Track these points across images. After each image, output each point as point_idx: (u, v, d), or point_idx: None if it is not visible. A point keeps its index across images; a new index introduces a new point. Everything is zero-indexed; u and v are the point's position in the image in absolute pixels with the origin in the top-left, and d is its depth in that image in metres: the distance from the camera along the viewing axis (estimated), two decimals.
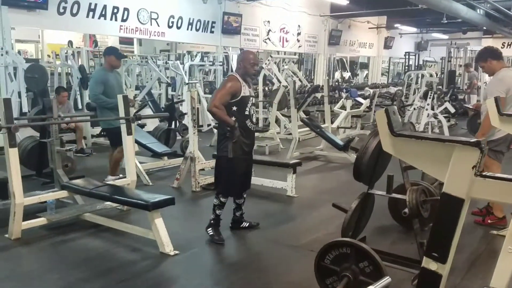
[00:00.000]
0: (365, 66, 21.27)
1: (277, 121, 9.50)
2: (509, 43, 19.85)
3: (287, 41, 14.45)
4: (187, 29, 11.14)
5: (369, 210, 4.01)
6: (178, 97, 10.10)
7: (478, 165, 2.12)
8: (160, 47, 16.32)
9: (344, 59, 18.90)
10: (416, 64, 20.22)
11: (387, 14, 17.17)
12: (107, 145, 8.57)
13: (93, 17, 9.03)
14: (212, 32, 11.80)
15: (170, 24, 10.69)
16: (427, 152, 2.29)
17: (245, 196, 4.35)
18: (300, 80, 12.17)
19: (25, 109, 7.36)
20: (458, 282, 3.39)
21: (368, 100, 10.70)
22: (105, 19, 9.27)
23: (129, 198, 4.20)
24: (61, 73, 10.79)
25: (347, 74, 18.92)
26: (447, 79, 13.95)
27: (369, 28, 18.56)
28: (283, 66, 12.00)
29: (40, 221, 4.26)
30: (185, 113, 7.99)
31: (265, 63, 10.37)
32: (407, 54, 19.92)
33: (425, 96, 10.21)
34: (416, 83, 13.15)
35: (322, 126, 8.46)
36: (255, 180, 5.49)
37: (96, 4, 9.00)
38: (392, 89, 15.30)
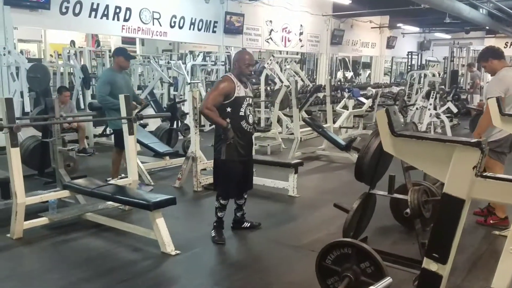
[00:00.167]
0: (367, 65, 21.24)
1: (279, 121, 9.50)
2: None
3: (289, 40, 14.43)
4: (189, 29, 11.14)
5: (371, 210, 4.00)
6: (180, 97, 10.10)
7: (479, 165, 2.11)
8: (163, 47, 16.33)
9: (347, 59, 18.87)
10: (419, 63, 20.17)
11: (390, 14, 17.14)
12: (109, 145, 8.61)
13: (95, 17, 9.04)
14: (214, 32, 11.80)
15: (172, 24, 10.69)
16: (428, 153, 2.29)
17: (246, 196, 4.34)
18: (302, 80, 12.16)
19: (28, 108, 7.37)
20: (459, 283, 3.38)
21: (370, 100, 10.69)
22: (107, 19, 9.28)
23: (130, 198, 4.21)
24: (64, 73, 10.80)
25: (349, 74, 18.89)
26: (450, 79, 13.92)
27: (371, 27, 18.53)
28: (285, 66, 12.00)
29: (42, 220, 4.27)
30: (187, 113, 7.98)
31: (267, 63, 10.37)
32: (409, 53, 19.89)
33: (427, 96, 10.19)
34: (419, 82, 13.10)
35: (324, 126, 8.45)
36: (257, 180, 5.49)
37: (98, 4, 9.01)
38: (395, 89, 15.26)
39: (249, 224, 4.40)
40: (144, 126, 7.98)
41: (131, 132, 4.85)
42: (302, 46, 15.05)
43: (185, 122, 8.18)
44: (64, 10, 8.49)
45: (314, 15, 15.17)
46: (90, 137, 8.65)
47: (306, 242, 4.15)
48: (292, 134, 8.15)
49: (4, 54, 7.56)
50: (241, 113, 3.98)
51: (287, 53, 13.85)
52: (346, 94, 10.61)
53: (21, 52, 10.83)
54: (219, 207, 4.12)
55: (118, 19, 9.49)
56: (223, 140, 3.96)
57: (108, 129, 8.66)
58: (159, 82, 11.22)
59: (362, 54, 19.54)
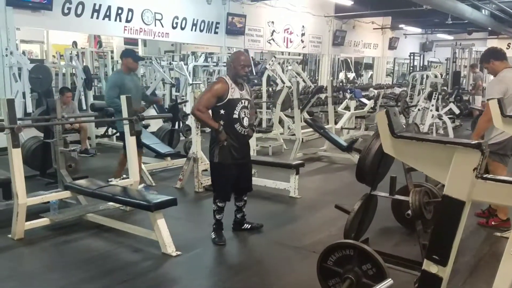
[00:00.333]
0: (369, 66, 21.23)
1: (281, 122, 9.50)
2: None
3: (291, 41, 14.44)
4: (191, 29, 11.16)
5: (372, 212, 3.99)
6: (182, 97, 10.12)
7: (479, 167, 2.11)
8: (165, 48, 16.35)
9: (349, 60, 18.86)
10: (421, 65, 20.15)
11: (392, 15, 17.12)
12: (111, 146, 8.64)
13: (97, 17, 9.07)
14: (216, 33, 11.81)
15: (174, 25, 10.71)
16: (428, 154, 2.28)
17: (245, 198, 4.30)
18: (304, 80, 12.16)
19: (30, 109, 7.39)
20: (460, 285, 3.37)
21: (372, 101, 10.69)
22: (109, 19, 9.31)
23: (131, 198, 4.21)
24: (66, 74, 10.82)
25: (351, 75, 18.89)
26: (452, 80, 13.90)
27: (373, 28, 18.53)
28: (287, 67, 12.00)
29: (43, 221, 4.28)
30: (189, 114, 8.00)
31: (269, 64, 10.37)
32: (412, 54, 19.87)
33: (429, 97, 10.17)
34: (421, 84, 13.12)
35: (326, 127, 8.44)
36: (258, 181, 5.50)
37: (100, 5, 9.04)
38: (397, 90, 15.25)
39: (249, 225, 4.37)
40: (146, 127, 7.99)
41: (132, 133, 4.86)
42: (304, 47, 15.06)
43: (186, 123, 8.20)
44: (66, 11, 8.51)
45: (316, 16, 15.17)
46: (92, 138, 8.66)
47: (307, 243, 4.14)
48: (294, 135, 8.15)
49: (6, 55, 7.60)
50: (235, 116, 3.92)
51: (289, 54, 13.86)
52: (348, 95, 10.61)
53: (23, 53, 10.84)
54: (217, 209, 4.10)
55: (120, 20, 9.52)
56: (216, 142, 3.95)
57: (110, 129, 8.68)
58: (161, 83, 11.23)
59: (364, 55, 19.54)
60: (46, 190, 4.84)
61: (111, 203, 4.59)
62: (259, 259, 3.94)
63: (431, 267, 2.24)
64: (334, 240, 3.06)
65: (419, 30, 20.11)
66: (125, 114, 4.84)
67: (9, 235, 4.11)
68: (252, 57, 14.74)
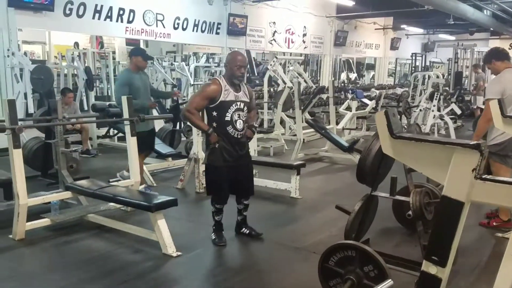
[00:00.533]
0: (371, 67, 21.22)
1: (282, 122, 9.49)
2: None
3: (292, 42, 14.44)
4: (193, 30, 11.17)
5: (373, 212, 3.99)
6: (183, 98, 10.12)
7: (478, 168, 2.10)
8: (167, 48, 16.38)
9: (350, 60, 18.86)
10: (423, 65, 20.13)
11: (394, 15, 17.13)
12: (112, 146, 8.65)
13: (99, 18, 9.08)
14: (217, 33, 11.82)
15: (176, 26, 10.72)
16: (427, 155, 2.28)
17: (245, 202, 4.18)
18: (305, 81, 12.16)
19: (31, 110, 7.41)
20: (461, 286, 3.37)
21: (373, 101, 10.67)
22: (111, 20, 9.32)
23: (132, 199, 4.21)
24: (67, 75, 10.85)
25: (353, 75, 18.88)
26: (454, 81, 13.89)
27: (375, 29, 18.51)
28: (288, 67, 12.00)
29: (44, 222, 4.29)
30: None
31: (270, 64, 10.37)
32: (413, 55, 19.85)
33: (431, 98, 10.16)
34: (423, 84, 13.09)
35: (327, 127, 8.44)
36: (259, 182, 5.50)
37: (102, 6, 9.05)
38: (399, 90, 15.24)
39: (248, 231, 4.24)
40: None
41: (133, 134, 4.86)
42: (305, 47, 15.06)
43: (187, 123, 8.19)
44: (68, 12, 8.53)
45: (317, 17, 15.17)
46: (94, 138, 8.67)
47: (308, 244, 4.14)
48: (295, 135, 8.15)
49: (8, 56, 7.61)
50: (227, 118, 3.82)
51: (290, 55, 13.85)
52: (349, 96, 10.60)
53: (25, 53, 10.88)
54: (215, 211, 4.08)
55: (121, 21, 9.53)
56: (207, 144, 3.93)
57: (112, 130, 8.69)
58: (163, 84, 11.25)
59: (366, 55, 19.53)
60: (47, 190, 4.86)
61: (112, 204, 4.59)
62: (260, 260, 3.94)
63: (430, 268, 2.24)
64: (335, 240, 3.06)
65: (421, 31, 20.11)
66: (126, 115, 4.84)
67: (10, 236, 4.12)
68: (254, 57, 14.75)
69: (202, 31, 11.42)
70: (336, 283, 2.89)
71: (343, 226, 3.68)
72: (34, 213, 4.28)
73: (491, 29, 16.38)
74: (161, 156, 6.93)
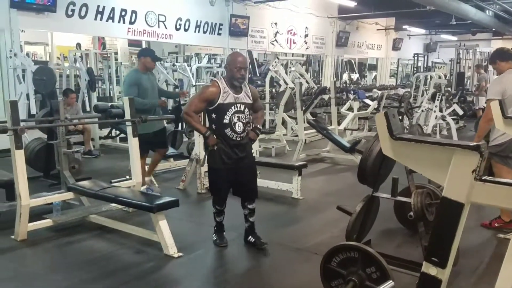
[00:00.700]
0: (373, 67, 21.20)
1: (284, 123, 9.50)
2: None
3: (294, 43, 14.44)
4: (195, 31, 11.19)
5: (374, 213, 3.98)
6: (185, 99, 10.12)
7: (478, 169, 2.10)
8: (169, 49, 16.37)
9: (352, 61, 18.84)
10: (425, 65, 20.10)
11: (396, 16, 17.11)
12: (114, 147, 8.67)
13: (101, 19, 9.10)
14: (219, 34, 11.83)
15: (178, 27, 10.74)
16: (427, 156, 2.27)
17: (249, 207, 4.02)
18: (307, 81, 12.16)
19: (33, 111, 7.43)
20: (463, 287, 3.37)
21: (375, 102, 10.66)
22: (113, 21, 9.34)
23: (134, 200, 4.22)
24: (70, 75, 10.87)
25: (355, 76, 18.86)
26: (456, 81, 13.86)
27: (377, 29, 18.50)
28: (290, 68, 12.01)
29: (46, 222, 4.30)
30: None
31: (272, 65, 10.38)
32: (415, 55, 19.82)
33: (433, 98, 10.15)
34: (425, 84, 13.07)
35: (329, 128, 8.44)
36: (261, 182, 5.46)
37: (104, 7, 9.08)
38: (401, 91, 15.22)
39: (253, 239, 4.07)
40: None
41: (135, 134, 4.87)
42: (307, 48, 15.06)
43: None
44: (70, 13, 8.55)
45: (319, 17, 15.17)
46: (96, 139, 8.69)
47: (309, 245, 4.14)
48: (297, 136, 8.15)
49: (11, 57, 7.64)
50: (225, 121, 3.76)
51: (292, 55, 13.85)
52: (351, 96, 10.59)
53: (27, 54, 10.90)
54: (216, 212, 4.07)
55: (123, 22, 9.55)
56: (205, 146, 3.93)
57: (114, 131, 8.71)
58: (165, 84, 11.24)
59: (368, 56, 19.51)
60: (49, 191, 4.87)
61: (113, 204, 4.61)
62: (261, 261, 3.94)
63: (430, 269, 2.23)
64: (336, 241, 3.06)
65: (423, 31, 20.07)
66: (127, 115, 4.85)
67: (12, 236, 4.13)
68: (255, 58, 14.75)
69: (204, 32, 11.44)
70: (338, 283, 2.89)
71: (345, 227, 3.68)
72: (36, 214, 4.30)
73: (493, 29, 16.34)
74: (163, 157, 6.92)
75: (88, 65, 10.69)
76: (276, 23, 13.55)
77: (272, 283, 3.55)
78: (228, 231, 4.20)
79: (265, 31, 13.29)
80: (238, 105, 3.81)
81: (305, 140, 8.00)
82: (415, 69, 19.84)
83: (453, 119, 10.33)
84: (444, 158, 2.16)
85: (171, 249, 3.84)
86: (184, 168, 6.06)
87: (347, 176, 6.90)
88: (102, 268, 3.65)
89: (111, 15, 9.27)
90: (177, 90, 11.24)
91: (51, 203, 4.43)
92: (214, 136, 3.82)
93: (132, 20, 9.69)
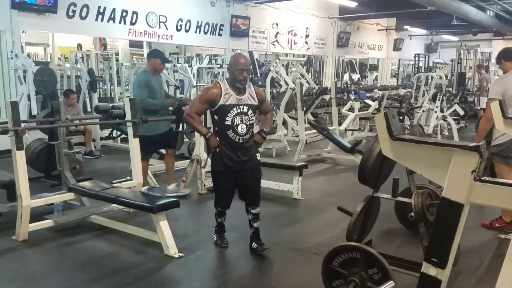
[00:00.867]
0: (374, 68, 21.20)
1: (285, 123, 9.50)
2: None
3: (295, 43, 14.44)
4: (196, 32, 11.19)
5: (375, 214, 3.99)
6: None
7: (477, 169, 2.10)
8: (170, 50, 16.37)
9: (353, 61, 18.83)
10: (426, 66, 20.08)
11: (396, 16, 17.10)
12: (115, 148, 8.67)
13: (102, 20, 9.11)
14: (220, 35, 11.84)
15: (179, 27, 10.75)
16: (427, 156, 2.28)
17: (253, 211, 3.93)
18: (308, 82, 12.15)
19: (35, 111, 7.44)
20: (463, 287, 3.36)
21: (376, 102, 10.65)
22: (114, 22, 9.35)
23: (134, 200, 4.23)
24: (71, 76, 10.87)
25: (356, 76, 18.85)
26: (457, 81, 13.85)
27: (378, 30, 18.50)
28: (290, 68, 12.01)
29: (47, 223, 4.31)
30: None
31: (273, 65, 10.38)
32: (416, 56, 19.80)
33: (434, 98, 10.14)
34: (426, 85, 13.07)
35: (330, 128, 8.44)
36: (261, 183, 5.41)
37: (105, 8, 9.09)
38: (402, 91, 15.21)
39: (256, 245, 3.97)
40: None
41: (136, 135, 4.88)
42: (308, 48, 15.05)
43: None
44: (71, 13, 8.57)
45: (320, 18, 15.16)
46: (97, 140, 8.70)
47: (310, 245, 4.14)
48: (297, 136, 8.15)
49: (12, 58, 7.65)
50: (227, 122, 3.70)
51: (293, 56, 13.85)
52: (352, 97, 10.59)
53: (28, 55, 10.91)
54: (217, 213, 4.07)
55: (124, 23, 9.56)
56: (208, 148, 3.92)
57: (115, 132, 8.71)
58: (166, 85, 11.24)
59: (368, 56, 19.50)
60: (50, 192, 4.88)
61: (114, 205, 4.61)
62: (261, 261, 3.93)
63: (430, 270, 2.24)
64: (337, 242, 3.07)
65: (423, 31, 20.06)
66: (128, 116, 4.86)
67: (13, 237, 4.14)
68: (256, 58, 14.75)
69: (205, 33, 11.44)
70: (339, 284, 2.90)
71: (345, 227, 3.69)
72: (37, 214, 4.31)
73: (494, 29, 16.32)
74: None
75: (89, 66, 10.70)
76: (277, 24, 13.56)
77: (272, 283, 3.55)
78: (228, 231, 4.21)
79: (266, 31, 13.29)
80: (241, 107, 3.75)
81: (306, 140, 8.01)
82: (416, 69, 19.82)
83: (454, 120, 10.32)
84: (443, 159, 2.17)
85: (172, 250, 3.85)
86: (185, 169, 6.05)
87: (347, 176, 6.89)
88: (103, 269, 3.65)
89: (112, 16, 9.28)
90: (177, 90, 11.28)
91: (52, 204, 4.44)
92: (216, 137, 3.79)
93: (133, 21, 9.70)
